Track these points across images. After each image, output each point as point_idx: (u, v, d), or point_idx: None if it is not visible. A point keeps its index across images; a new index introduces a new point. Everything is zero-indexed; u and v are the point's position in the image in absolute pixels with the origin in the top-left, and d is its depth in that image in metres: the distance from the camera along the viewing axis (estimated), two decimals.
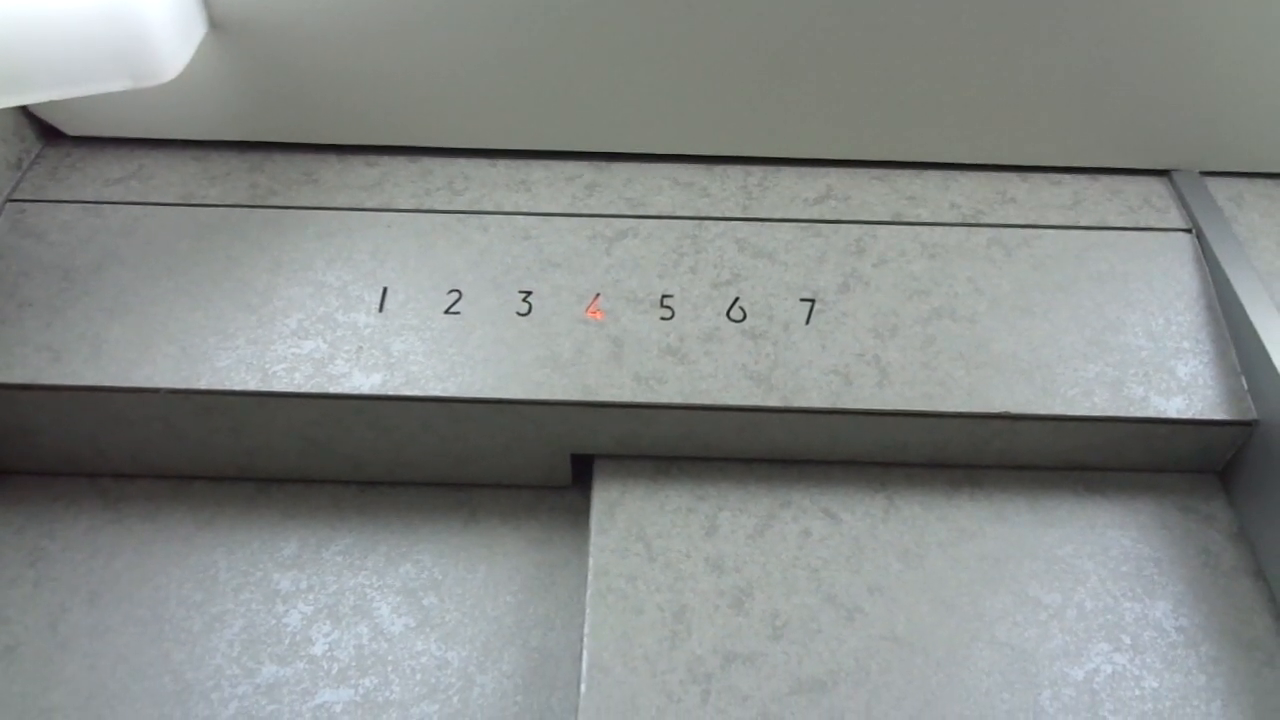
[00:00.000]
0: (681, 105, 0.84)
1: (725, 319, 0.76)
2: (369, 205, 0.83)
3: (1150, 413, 0.72)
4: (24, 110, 0.85)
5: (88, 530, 0.76)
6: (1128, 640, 0.68)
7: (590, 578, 0.69)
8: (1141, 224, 0.83)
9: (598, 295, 0.75)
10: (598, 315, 0.74)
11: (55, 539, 0.75)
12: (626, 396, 0.72)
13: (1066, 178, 0.87)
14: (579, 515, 0.78)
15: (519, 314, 0.76)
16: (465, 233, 0.81)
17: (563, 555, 0.77)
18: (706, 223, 0.82)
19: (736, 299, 0.77)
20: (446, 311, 0.76)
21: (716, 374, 0.73)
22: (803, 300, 0.77)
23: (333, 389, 0.72)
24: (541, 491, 0.81)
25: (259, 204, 0.83)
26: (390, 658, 0.70)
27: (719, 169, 0.87)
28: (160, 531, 0.76)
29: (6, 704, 0.67)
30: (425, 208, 0.83)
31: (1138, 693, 0.65)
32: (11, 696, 0.68)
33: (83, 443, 0.76)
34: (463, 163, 0.87)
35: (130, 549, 0.75)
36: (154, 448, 0.77)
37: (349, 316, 0.76)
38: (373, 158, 0.87)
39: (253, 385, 0.72)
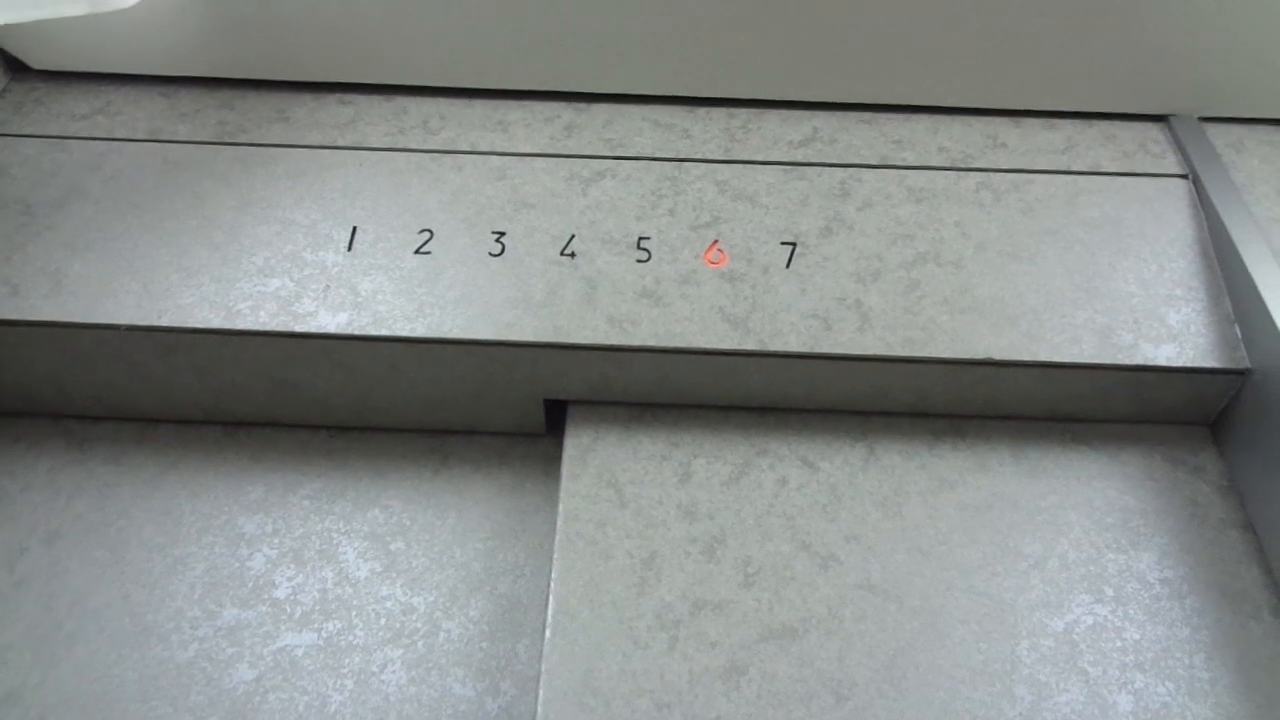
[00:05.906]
0: (664, 45, 0.81)
1: (703, 262, 0.74)
2: (341, 144, 0.81)
3: (1139, 360, 0.70)
4: None
5: (49, 471, 0.74)
6: (1110, 592, 0.66)
7: (560, 523, 0.67)
8: (1136, 169, 0.81)
9: (715, 241, 0.72)
10: (720, 262, 0.72)
11: (15, 479, 0.74)
12: (599, 338, 0.70)
13: (1060, 122, 0.84)
14: (553, 464, 0.76)
15: (491, 254, 0.74)
16: (439, 172, 0.79)
17: (535, 503, 0.75)
18: (687, 164, 0.80)
19: (715, 242, 0.75)
20: (417, 251, 0.74)
21: (692, 317, 0.71)
22: (783, 244, 0.75)
23: (298, 328, 0.70)
24: (516, 439, 0.79)
25: (228, 141, 0.80)
26: (355, 602, 0.69)
27: (701, 111, 0.84)
28: (124, 474, 0.75)
29: None
30: (399, 146, 0.81)
31: (1119, 644, 0.64)
32: None
33: (45, 381, 0.75)
34: (440, 102, 0.85)
35: (92, 490, 0.73)
36: (118, 388, 0.75)
37: (316, 255, 0.74)
38: (347, 96, 0.85)
39: (216, 323, 0.70)
